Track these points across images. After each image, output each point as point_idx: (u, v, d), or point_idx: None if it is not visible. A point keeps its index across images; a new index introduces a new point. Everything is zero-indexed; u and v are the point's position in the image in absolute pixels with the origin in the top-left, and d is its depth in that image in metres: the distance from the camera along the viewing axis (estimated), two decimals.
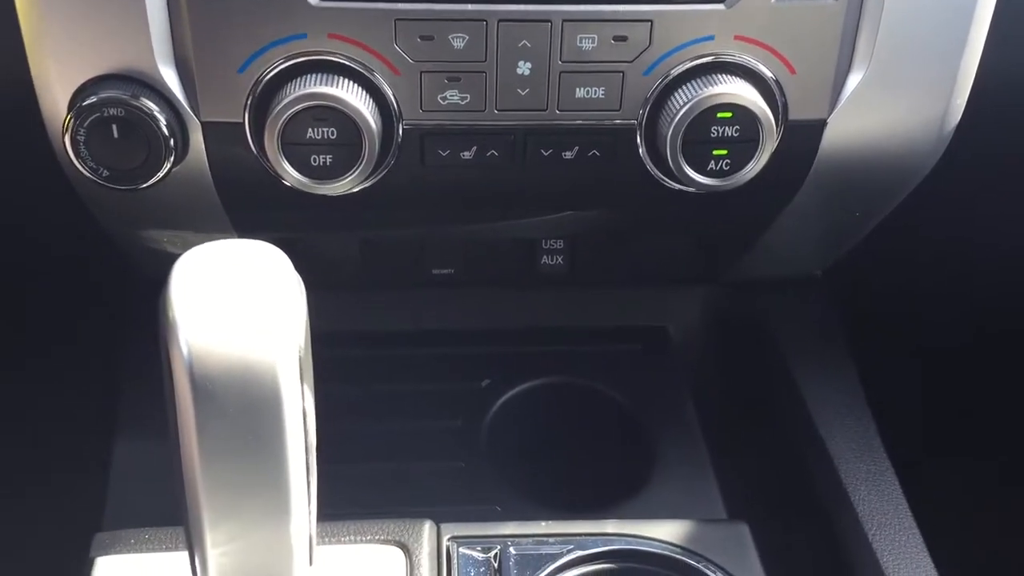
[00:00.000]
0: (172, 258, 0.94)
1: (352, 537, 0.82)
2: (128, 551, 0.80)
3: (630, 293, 1.14)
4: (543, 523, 0.87)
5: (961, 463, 1.31)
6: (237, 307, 0.60)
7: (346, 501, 0.89)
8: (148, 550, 0.80)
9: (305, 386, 0.62)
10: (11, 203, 0.97)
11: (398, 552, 0.81)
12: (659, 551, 0.84)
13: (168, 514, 0.85)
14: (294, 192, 0.81)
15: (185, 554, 0.78)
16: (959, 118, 0.86)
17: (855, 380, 1.05)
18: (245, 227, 0.92)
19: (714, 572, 0.82)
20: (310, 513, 0.66)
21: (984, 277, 1.19)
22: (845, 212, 0.96)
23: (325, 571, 0.77)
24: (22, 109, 0.81)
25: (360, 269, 1.04)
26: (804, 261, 1.10)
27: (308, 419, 0.63)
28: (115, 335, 1.08)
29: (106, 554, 0.80)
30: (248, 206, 0.88)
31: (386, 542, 0.82)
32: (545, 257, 1.04)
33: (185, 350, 0.58)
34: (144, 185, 0.79)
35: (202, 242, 0.93)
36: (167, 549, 0.80)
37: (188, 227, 0.93)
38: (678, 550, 0.84)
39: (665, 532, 0.85)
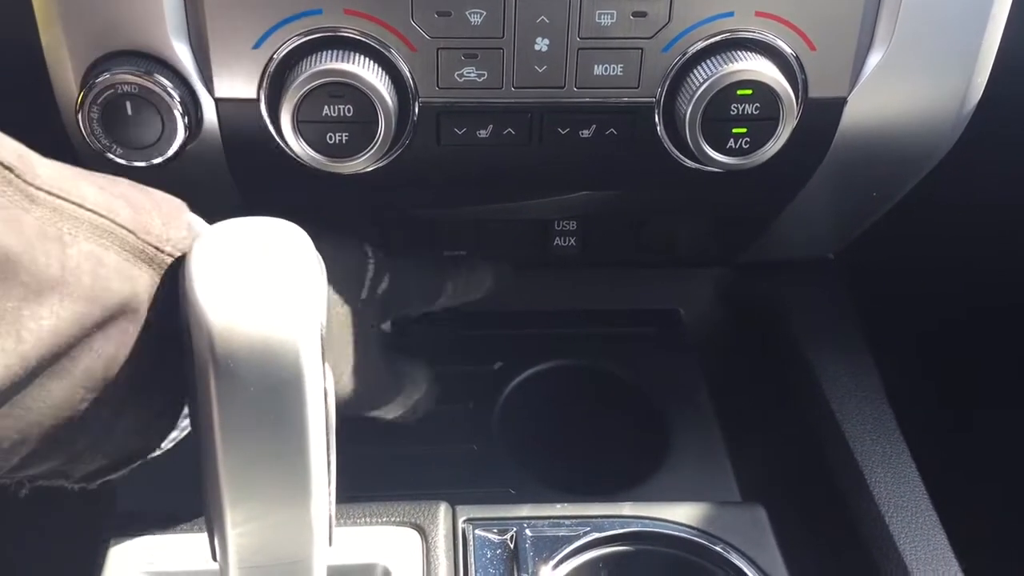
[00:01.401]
0: None
1: (368, 519, 0.81)
2: (144, 532, 0.80)
3: (643, 275, 1.14)
4: (559, 505, 0.86)
5: (977, 444, 1.30)
6: (258, 285, 0.59)
7: (361, 483, 0.89)
8: (162, 531, 0.80)
9: (327, 365, 0.61)
10: None
11: (414, 534, 0.81)
12: (677, 533, 0.84)
13: (179, 497, 0.85)
14: (309, 170, 0.80)
15: (199, 535, 0.78)
16: (979, 97, 0.85)
17: (870, 362, 1.04)
18: (259, 205, 0.91)
19: (732, 554, 0.82)
20: (330, 493, 0.65)
21: (999, 260, 1.18)
22: (862, 193, 0.95)
23: (341, 553, 0.77)
24: (33, 87, 0.80)
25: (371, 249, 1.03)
26: (818, 243, 1.09)
27: (329, 398, 0.62)
28: None
29: (120, 535, 0.80)
30: (262, 184, 0.87)
31: (402, 524, 0.82)
32: (558, 238, 1.03)
33: (207, 328, 0.57)
34: (157, 162, 0.79)
35: (215, 221, 0.92)
36: (183, 530, 0.79)
37: (201, 206, 0.92)
38: (696, 532, 0.84)
39: (682, 514, 0.85)
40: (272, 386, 0.58)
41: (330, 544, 0.67)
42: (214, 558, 0.65)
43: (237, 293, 0.58)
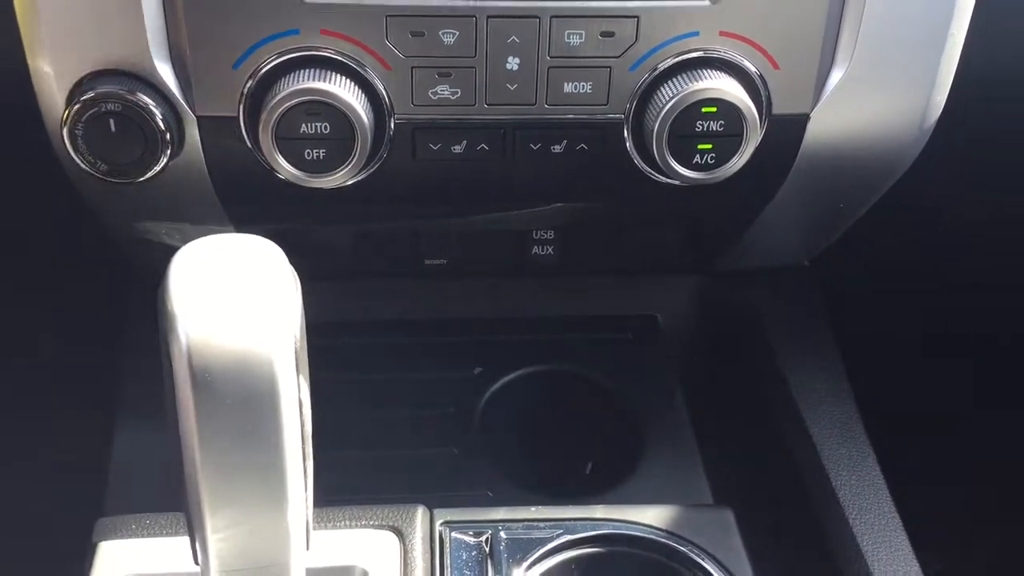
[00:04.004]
0: (168, 250, 0.96)
1: (347, 522, 0.84)
2: (130, 536, 0.82)
3: (620, 283, 1.17)
4: (533, 508, 0.89)
5: (943, 448, 1.33)
6: (234, 300, 0.61)
7: (341, 487, 0.92)
8: (149, 535, 0.82)
9: (301, 377, 0.64)
10: (10, 199, 0.98)
11: (392, 537, 0.84)
12: (646, 535, 0.86)
13: (167, 501, 0.87)
14: (289, 185, 0.82)
15: (183, 539, 0.80)
16: (939, 113, 0.88)
17: (839, 368, 1.07)
18: (241, 219, 0.94)
19: (699, 556, 0.85)
20: (307, 500, 0.68)
21: (970, 266, 1.21)
22: (829, 204, 0.98)
23: (321, 556, 0.79)
24: (19, 104, 0.82)
25: (354, 259, 1.06)
26: (791, 251, 1.12)
27: (304, 409, 0.65)
28: (113, 326, 1.10)
29: (109, 539, 0.82)
30: (243, 199, 0.90)
31: (380, 527, 0.84)
32: (536, 247, 1.06)
33: (184, 342, 0.59)
34: (141, 179, 0.81)
35: (199, 234, 0.94)
36: (168, 534, 0.82)
37: (185, 219, 0.94)
38: (664, 534, 0.86)
39: (652, 517, 0.88)
40: (248, 398, 0.61)
41: (307, 548, 0.69)
42: (196, 562, 0.68)
43: (213, 308, 0.61)
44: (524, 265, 1.07)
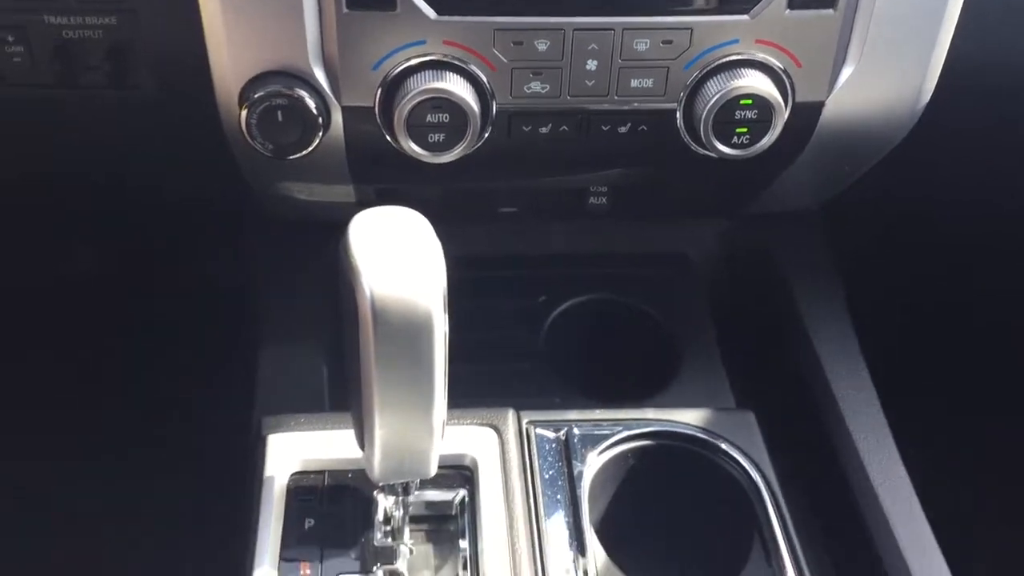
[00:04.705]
0: (294, 201, 1.18)
1: (458, 421, 1.03)
2: (292, 430, 1.02)
3: (659, 226, 1.35)
4: (597, 411, 1.10)
5: (930, 362, 1.55)
6: (401, 260, 0.82)
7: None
8: (308, 429, 1.02)
9: (445, 316, 0.85)
10: (180, 169, 1.18)
11: (492, 432, 1.04)
12: (687, 431, 1.06)
13: (307, 403, 1.08)
14: (407, 157, 1.02)
15: (338, 432, 1.02)
16: (928, 97, 1.07)
17: (841, 295, 1.24)
18: (360, 180, 1.14)
19: (729, 447, 1.05)
20: (444, 403, 0.89)
21: (946, 224, 1.41)
22: (836, 166, 1.17)
23: (446, 445, 1.02)
24: (196, 96, 1.02)
25: (441, 208, 1.25)
26: (803, 199, 1.30)
27: (446, 339, 0.86)
28: (253, 263, 1.30)
29: (275, 432, 1.02)
30: (367, 166, 1.10)
31: (483, 424, 1.04)
32: (592, 198, 1.23)
33: (368, 292, 0.79)
34: (296, 156, 1.02)
35: (323, 190, 1.16)
36: (323, 429, 1.01)
37: (316, 180, 1.15)
38: (701, 430, 1.07)
39: (691, 417, 1.07)
40: (412, 331, 0.80)
41: (442, 438, 0.92)
42: (361, 448, 0.90)
43: (387, 266, 0.81)
44: (581, 213, 1.24)
